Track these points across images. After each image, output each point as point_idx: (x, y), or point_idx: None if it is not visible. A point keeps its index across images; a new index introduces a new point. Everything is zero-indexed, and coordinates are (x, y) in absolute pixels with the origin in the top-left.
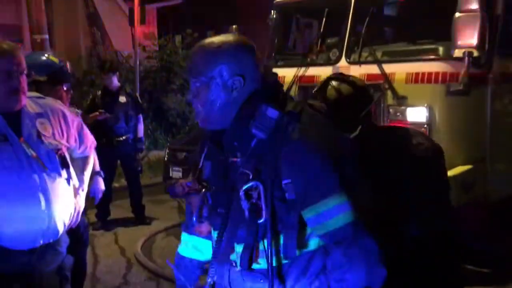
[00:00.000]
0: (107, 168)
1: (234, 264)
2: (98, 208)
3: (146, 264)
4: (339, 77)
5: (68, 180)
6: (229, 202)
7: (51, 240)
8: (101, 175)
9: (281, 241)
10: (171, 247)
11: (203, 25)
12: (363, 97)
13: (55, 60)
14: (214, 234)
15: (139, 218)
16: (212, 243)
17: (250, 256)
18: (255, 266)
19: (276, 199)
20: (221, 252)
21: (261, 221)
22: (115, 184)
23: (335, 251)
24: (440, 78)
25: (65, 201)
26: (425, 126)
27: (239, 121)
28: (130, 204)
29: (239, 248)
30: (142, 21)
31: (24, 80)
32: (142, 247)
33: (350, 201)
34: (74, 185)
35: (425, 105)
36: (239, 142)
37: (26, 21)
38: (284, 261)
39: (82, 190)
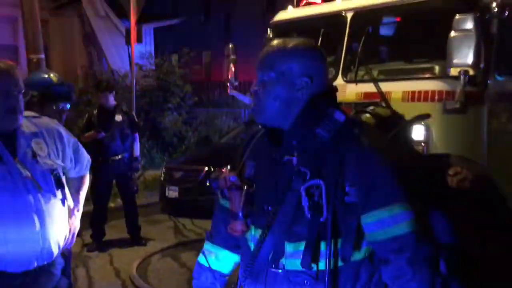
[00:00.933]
0: (103, 187)
1: (275, 266)
2: (93, 228)
3: (142, 287)
4: (364, 109)
5: (63, 200)
6: (278, 200)
7: (45, 262)
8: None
9: (339, 244)
10: (167, 268)
11: (200, 44)
12: (384, 127)
13: (54, 78)
14: (256, 233)
15: (135, 239)
16: (247, 243)
17: (311, 255)
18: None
19: (337, 200)
20: (262, 252)
21: (322, 219)
22: (111, 204)
23: (396, 259)
24: (436, 97)
25: (60, 222)
26: (423, 144)
27: (303, 121)
28: (126, 225)
29: (290, 247)
30: (139, 40)
31: (21, 100)
32: (137, 268)
33: (414, 210)
34: (69, 206)
35: (422, 123)
36: (299, 141)
37: (23, 41)
38: (340, 264)
39: (78, 211)
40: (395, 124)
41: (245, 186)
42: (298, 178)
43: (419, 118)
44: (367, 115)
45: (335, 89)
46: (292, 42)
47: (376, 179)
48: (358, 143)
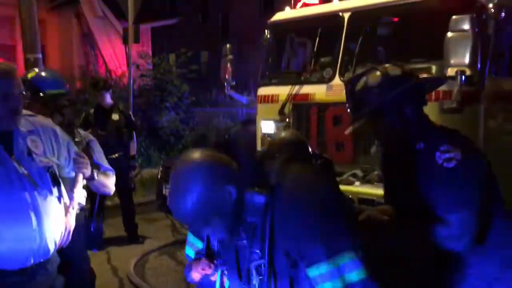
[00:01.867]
0: None
1: None
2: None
3: (139, 284)
4: (375, 67)
5: (59, 198)
6: (243, 281)
7: (42, 260)
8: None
9: None
10: (164, 266)
11: (197, 44)
12: (392, 85)
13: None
14: None
15: (132, 236)
16: None
17: None
18: None
19: (285, 269)
20: None
21: None
22: (108, 202)
23: None
24: (433, 96)
25: (56, 219)
26: None
27: (236, 216)
28: (123, 223)
29: None
30: (136, 40)
31: (21, 101)
32: (134, 266)
33: (352, 259)
34: (65, 203)
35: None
36: (241, 227)
37: (20, 40)
38: None
39: (73, 208)
40: (403, 84)
41: (219, 271)
42: (252, 258)
43: (431, 80)
44: (377, 72)
45: (249, 157)
46: (186, 176)
47: (301, 238)
48: (279, 211)
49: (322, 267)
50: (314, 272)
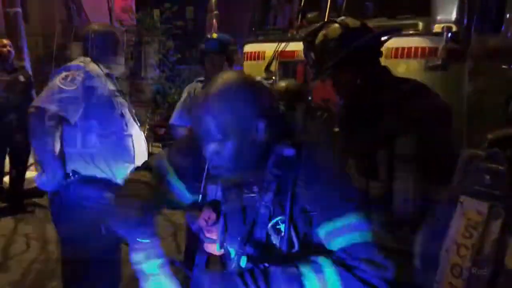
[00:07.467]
0: None
1: None
2: None
3: None
4: (335, 20)
5: None
6: (248, 232)
7: None
8: None
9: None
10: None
11: None
12: (352, 39)
13: None
14: (233, 253)
15: None
16: (230, 262)
17: None
18: None
19: (300, 223)
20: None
21: (294, 250)
22: None
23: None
24: (419, 53)
25: None
26: None
27: (256, 163)
28: None
29: None
30: None
31: None
32: None
33: (364, 220)
34: None
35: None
36: (256, 179)
37: None
38: None
39: None
40: (363, 35)
41: (221, 219)
42: (264, 214)
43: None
44: (336, 25)
45: (285, 117)
46: (222, 94)
47: (327, 197)
48: (305, 168)
49: (349, 217)
50: (328, 227)
